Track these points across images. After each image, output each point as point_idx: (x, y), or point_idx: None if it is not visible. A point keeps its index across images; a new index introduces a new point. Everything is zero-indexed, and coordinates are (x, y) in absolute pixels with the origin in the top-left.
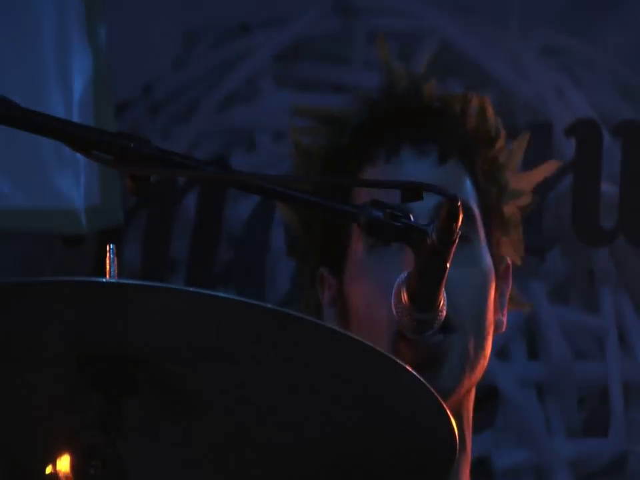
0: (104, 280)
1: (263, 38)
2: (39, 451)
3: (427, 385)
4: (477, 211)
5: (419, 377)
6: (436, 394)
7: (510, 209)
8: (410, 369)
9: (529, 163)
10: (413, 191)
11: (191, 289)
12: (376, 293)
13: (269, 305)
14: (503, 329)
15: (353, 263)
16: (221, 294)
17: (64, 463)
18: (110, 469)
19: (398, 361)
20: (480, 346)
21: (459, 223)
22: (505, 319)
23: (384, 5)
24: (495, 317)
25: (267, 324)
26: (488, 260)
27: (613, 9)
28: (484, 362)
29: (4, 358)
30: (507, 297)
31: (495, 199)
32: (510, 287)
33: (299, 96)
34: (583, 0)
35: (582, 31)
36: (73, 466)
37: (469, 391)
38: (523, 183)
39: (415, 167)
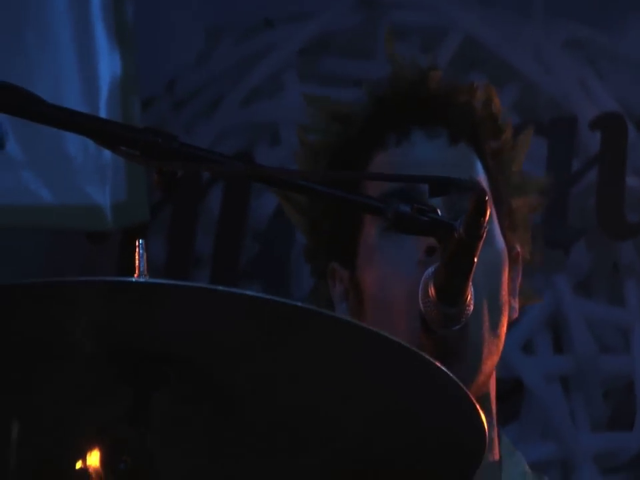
0: (133, 280)
1: (287, 33)
2: (69, 447)
3: (454, 377)
4: (488, 192)
5: (444, 369)
6: (463, 386)
7: (517, 204)
8: (435, 362)
9: (554, 157)
10: (441, 185)
11: (219, 288)
12: (391, 272)
13: (296, 302)
14: (516, 315)
15: (365, 249)
16: (248, 292)
17: (94, 458)
18: (139, 463)
19: (423, 354)
20: (495, 330)
21: (487, 217)
22: (516, 306)
23: None
24: (506, 310)
25: (292, 320)
26: (501, 240)
27: (636, 1)
28: (500, 345)
29: (34, 355)
30: (518, 284)
31: (502, 187)
32: (520, 275)
33: (323, 91)
34: None
35: (606, 23)
36: (103, 461)
37: (487, 381)
38: (524, 181)
39: (426, 148)
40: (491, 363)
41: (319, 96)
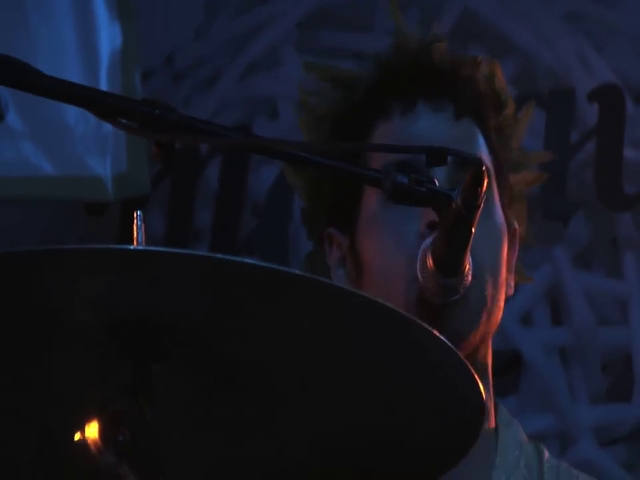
0: (131, 247)
1: (285, 6)
2: (69, 419)
3: (452, 346)
4: (491, 168)
5: (443, 339)
6: (461, 356)
7: (514, 180)
8: (433, 331)
9: (553, 128)
10: (438, 155)
11: (218, 255)
12: (392, 242)
13: (295, 271)
14: (511, 292)
15: (366, 217)
16: (247, 260)
17: (92, 430)
18: (138, 435)
19: (419, 321)
20: (496, 297)
21: (484, 188)
22: (512, 283)
23: None
24: (505, 283)
25: (293, 290)
26: (501, 215)
27: None
28: (498, 314)
29: (32, 327)
30: (514, 261)
31: (504, 163)
32: (516, 252)
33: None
34: None
35: None
36: (101, 432)
37: (483, 343)
38: (523, 158)
39: (431, 121)
40: (489, 324)
41: (319, 64)
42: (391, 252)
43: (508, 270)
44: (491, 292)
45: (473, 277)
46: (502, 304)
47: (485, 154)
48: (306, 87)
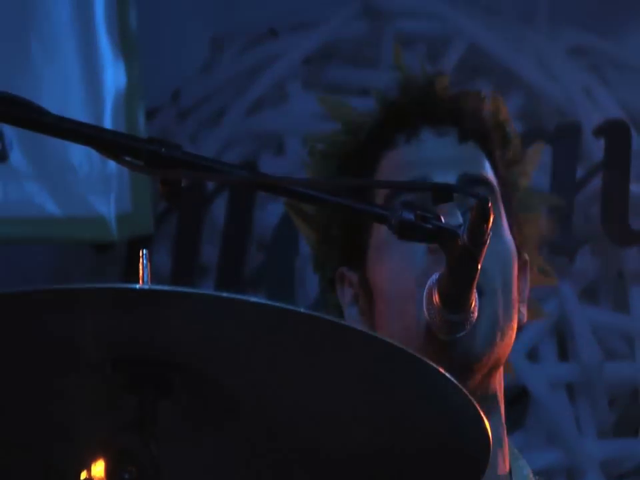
0: (137, 287)
1: (291, 42)
2: (74, 455)
3: (459, 385)
4: (497, 189)
5: (451, 378)
6: (469, 395)
7: (526, 219)
8: (442, 370)
9: (559, 163)
10: (444, 193)
11: (224, 294)
12: (401, 263)
13: (300, 309)
14: (525, 321)
15: (375, 247)
16: (252, 298)
17: (99, 469)
18: (144, 472)
19: (429, 362)
20: (508, 315)
21: (490, 224)
22: (525, 312)
23: (412, 7)
24: (517, 305)
25: (298, 327)
26: (510, 238)
27: None
28: (511, 334)
29: (40, 363)
30: (527, 292)
31: (509, 187)
32: (528, 284)
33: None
34: (610, 0)
35: (610, 30)
36: (108, 471)
37: (496, 369)
38: (531, 199)
39: (435, 145)
40: (503, 345)
41: (331, 99)
42: (400, 272)
43: (520, 299)
44: (502, 312)
45: (484, 294)
46: (514, 325)
47: (490, 175)
48: (312, 127)
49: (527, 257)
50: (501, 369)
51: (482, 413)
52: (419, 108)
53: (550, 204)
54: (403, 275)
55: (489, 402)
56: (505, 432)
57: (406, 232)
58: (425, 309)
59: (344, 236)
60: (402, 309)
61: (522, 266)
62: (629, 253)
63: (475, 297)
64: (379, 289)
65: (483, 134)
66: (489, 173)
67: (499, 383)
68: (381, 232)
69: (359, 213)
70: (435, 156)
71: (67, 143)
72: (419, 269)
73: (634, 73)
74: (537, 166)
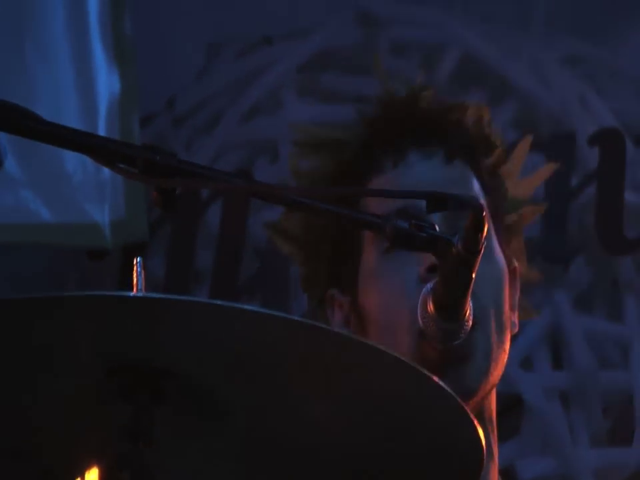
0: (131, 294)
1: (286, 49)
2: (69, 462)
3: (453, 394)
4: (486, 207)
5: (445, 386)
6: (462, 404)
7: (511, 218)
8: (435, 379)
9: (553, 172)
10: (438, 201)
11: (218, 302)
12: (393, 294)
13: (294, 317)
14: (516, 330)
15: (366, 273)
16: (246, 306)
17: (92, 476)
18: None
19: (423, 370)
20: (501, 340)
21: (485, 233)
22: (516, 321)
23: (407, 15)
24: (509, 322)
25: (292, 335)
26: (501, 256)
27: (636, 18)
28: (504, 357)
29: (34, 370)
30: (517, 299)
31: (499, 203)
32: (518, 290)
33: (322, 107)
34: (606, 9)
35: (605, 39)
36: (102, 478)
37: (491, 391)
38: (522, 189)
39: (423, 168)
40: (497, 373)
41: (305, 125)
42: (393, 303)
43: (511, 309)
44: (496, 339)
45: (476, 322)
46: (507, 346)
47: (479, 194)
48: (302, 136)
49: (516, 263)
50: (494, 396)
51: (476, 423)
52: (403, 128)
53: (538, 212)
54: (396, 307)
55: (480, 420)
56: (496, 445)
57: (400, 240)
58: (419, 317)
59: (334, 258)
60: (396, 341)
61: (511, 273)
62: (623, 261)
63: (469, 305)
64: (372, 318)
65: (469, 151)
66: (477, 192)
67: (492, 400)
68: (370, 257)
69: (353, 221)
70: (424, 180)
71: (61, 149)
72: (411, 299)
73: (629, 82)
74: (524, 159)
